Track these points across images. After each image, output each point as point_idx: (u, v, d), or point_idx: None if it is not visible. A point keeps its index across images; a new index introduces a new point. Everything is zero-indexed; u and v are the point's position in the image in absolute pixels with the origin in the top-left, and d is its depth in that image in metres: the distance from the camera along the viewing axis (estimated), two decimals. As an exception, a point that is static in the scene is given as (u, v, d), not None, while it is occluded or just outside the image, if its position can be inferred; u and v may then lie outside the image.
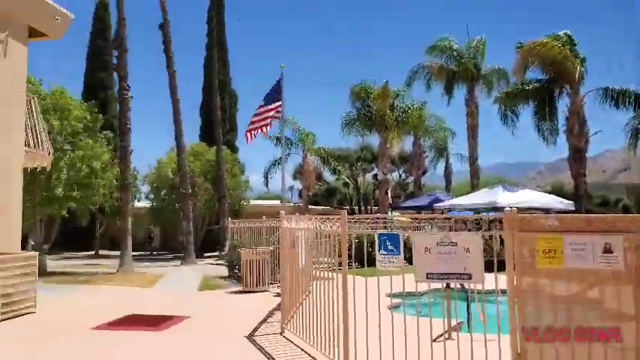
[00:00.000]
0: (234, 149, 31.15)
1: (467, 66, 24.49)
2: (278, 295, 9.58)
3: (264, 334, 6.90)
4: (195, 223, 22.21)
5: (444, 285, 5.97)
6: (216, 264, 18.03)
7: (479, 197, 18.47)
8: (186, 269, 17.01)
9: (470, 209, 20.51)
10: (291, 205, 32.15)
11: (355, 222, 15.82)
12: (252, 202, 30.33)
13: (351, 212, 37.42)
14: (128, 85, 17.26)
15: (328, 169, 32.71)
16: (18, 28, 8.85)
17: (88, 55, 31.36)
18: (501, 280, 5.09)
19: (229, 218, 16.50)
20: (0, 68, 8.42)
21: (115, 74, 23.61)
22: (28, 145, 9.59)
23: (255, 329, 7.21)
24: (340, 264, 5.61)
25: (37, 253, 9.36)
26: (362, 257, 5.78)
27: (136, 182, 23.89)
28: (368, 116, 24.12)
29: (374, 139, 27.39)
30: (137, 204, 25.16)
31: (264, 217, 13.09)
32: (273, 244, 12.10)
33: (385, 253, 5.84)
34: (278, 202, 32.59)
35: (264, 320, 7.86)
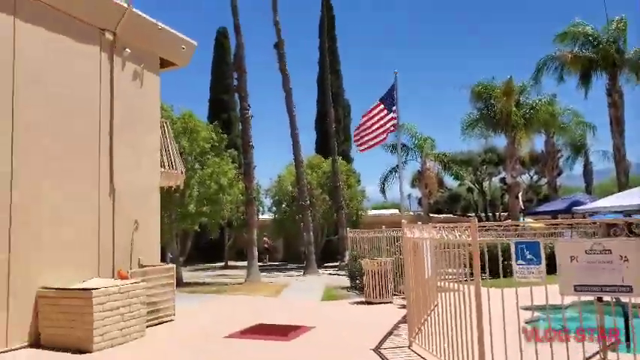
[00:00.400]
0: (348, 160, 31.37)
1: (607, 51, 21.75)
2: (403, 306, 9.20)
3: (391, 347, 6.60)
4: (314, 233, 22.64)
5: (596, 298, 5.17)
6: (337, 274, 18.11)
7: (630, 198, 16.15)
8: (308, 279, 17.33)
9: (618, 212, 18.09)
10: (411, 213, 31.39)
11: (486, 230, 14.81)
12: (370, 211, 30.17)
13: (478, 219, 35.45)
14: (248, 105, 18.20)
15: (450, 175, 31.38)
16: (151, 60, 9.71)
17: (212, 79, 33.93)
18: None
19: (347, 228, 16.48)
20: (137, 98, 9.29)
21: (236, 95, 25.21)
22: (164, 166, 10.45)
23: (382, 342, 6.95)
24: (471, 274, 5.12)
25: (174, 265, 10.11)
26: (493, 267, 5.25)
27: (260, 196, 25.09)
28: (491, 116, 22.65)
29: (499, 141, 25.75)
30: (261, 216, 26.43)
31: (383, 226, 12.80)
32: (395, 254, 11.75)
33: (524, 263, 5.23)
34: (396, 211, 32.05)
35: (390, 333, 7.56)
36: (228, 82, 32.13)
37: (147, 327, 7.78)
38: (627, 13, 23.49)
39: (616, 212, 17.60)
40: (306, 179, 22.47)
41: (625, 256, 4.85)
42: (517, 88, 22.20)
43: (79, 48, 8.10)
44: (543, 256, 5.19)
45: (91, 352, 6.56)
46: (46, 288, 7.10)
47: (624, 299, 5.09)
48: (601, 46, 21.97)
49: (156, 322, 8.43)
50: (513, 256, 5.26)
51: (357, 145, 16.49)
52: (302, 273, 19.68)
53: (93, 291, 6.76)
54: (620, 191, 19.20)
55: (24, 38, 7.16)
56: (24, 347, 6.88)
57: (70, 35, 7.94)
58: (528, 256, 5.26)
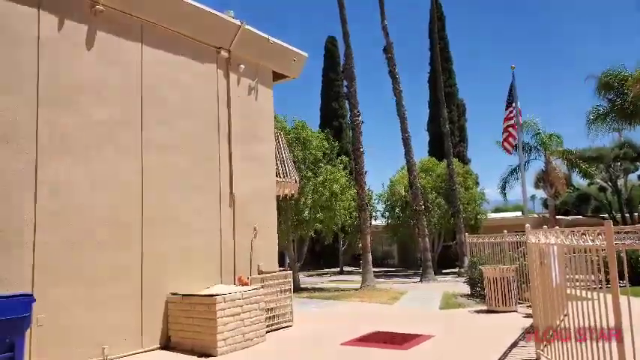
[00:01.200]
0: (465, 161, 30.18)
1: None
2: (528, 315, 8.56)
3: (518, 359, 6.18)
4: (431, 239, 22.06)
5: None
6: (456, 281, 17.44)
7: None
8: (425, 286, 16.92)
9: None
10: (535, 216, 29.24)
11: (626, 232, 13.30)
12: (490, 215, 28.66)
13: (613, 220, 31.97)
14: (359, 112, 18.37)
15: (578, 173, 28.72)
16: (264, 74, 10.23)
17: (322, 87, 34.82)
18: None
19: (466, 233, 15.82)
20: (252, 111, 9.83)
21: (346, 102, 25.53)
22: (279, 176, 10.92)
23: (506, 354, 6.52)
24: (608, 282, 4.58)
25: (291, 271, 10.47)
26: (633, 275, 4.67)
27: (372, 201, 25.09)
28: (625, 107, 20.32)
29: (636, 135, 22.97)
30: (374, 222, 26.40)
31: (505, 231, 12.06)
32: (518, 260, 11.00)
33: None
34: (519, 213, 30.05)
35: (515, 344, 7.07)
36: (338, 90, 32.81)
37: (266, 332, 8.10)
38: None
39: None
40: (420, 183, 22.04)
41: None
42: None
43: (197, 68, 8.77)
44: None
45: (215, 356, 6.90)
46: (174, 294, 7.62)
47: None
48: None
49: (275, 327, 8.75)
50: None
51: (504, 146, 16.26)
52: (419, 280, 19.28)
53: (216, 297, 7.12)
54: None
55: (148, 62, 7.88)
56: (156, 349, 7.42)
57: (189, 56, 8.61)
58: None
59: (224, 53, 9.20)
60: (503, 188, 28.83)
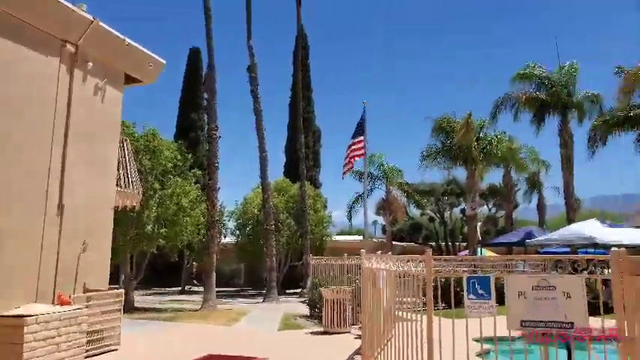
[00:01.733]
0: (316, 185, 31.44)
1: (559, 94, 23.01)
2: (359, 337, 9.12)
3: (344, 380, 6.51)
4: (278, 259, 22.38)
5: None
6: (298, 302, 17.91)
7: (575, 232, 16.81)
8: (268, 307, 17.03)
9: (566, 245, 18.77)
10: (375, 240, 31.55)
11: (446, 260, 15.04)
12: (335, 237, 30.13)
13: (438, 248, 36.02)
14: (216, 126, 18.09)
15: (413, 204, 31.93)
16: (115, 76, 9.55)
17: (181, 96, 33.65)
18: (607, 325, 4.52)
19: (310, 254, 16.40)
20: (96, 112, 9.07)
21: (205, 115, 24.99)
22: (120, 185, 10.17)
23: (334, 374, 6.84)
24: (425, 305, 5.17)
25: (124, 290, 9.73)
26: (449, 297, 5.32)
27: (223, 219, 24.70)
28: (452, 149, 23.27)
29: (461, 173, 26.41)
30: (224, 240, 25.97)
31: (345, 254, 12.79)
32: (355, 282, 11.72)
33: (474, 298, 5.31)
34: (361, 237, 32.15)
35: (345, 364, 7.47)
36: (199, 102, 32.00)
37: (88, 357, 7.38)
38: (578, 58, 24.90)
39: (564, 245, 18.25)
40: (273, 202, 22.34)
41: (568, 293, 4.99)
42: (477, 123, 22.96)
43: (36, 60, 7.86)
44: (494, 290, 5.30)
45: (20, 385, 6.11)
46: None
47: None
48: (554, 88, 23.16)
49: (98, 351, 8.02)
50: (465, 290, 5.34)
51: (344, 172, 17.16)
52: (262, 300, 19.35)
53: (25, 318, 6.33)
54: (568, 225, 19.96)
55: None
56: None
57: (28, 46, 7.70)
58: (479, 291, 5.34)
59: (70, 47, 8.40)
60: (349, 213, 30.76)
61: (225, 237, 26.57)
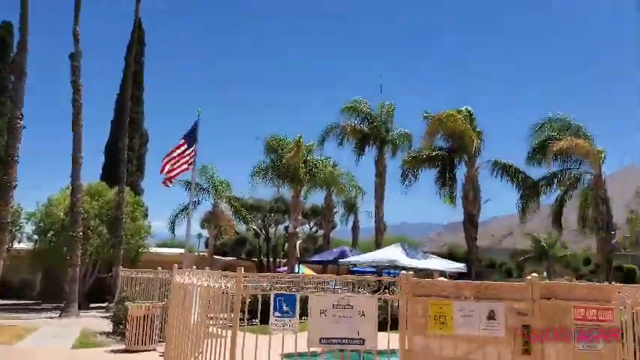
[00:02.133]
0: (138, 191, 29.54)
1: (378, 129, 25.73)
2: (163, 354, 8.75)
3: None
4: (84, 269, 20.32)
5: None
6: (102, 317, 16.42)
7: (380, 255, 18.84)
8: (64, 322, 15.26)
9: (372, 266, 20.85)
10: (196, 254, 30.76)
11: (260, 277, 15.30)
12: (154, 249, 28.55)
13: (260, 264, 36.63)
14: (21, 114, 15.85)
15: (239, 219, 32.04)
16: None
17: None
18: (395, 339, 5.04)
19: (121, 266, 15.25)
20: None
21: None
22: None
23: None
24: (245, 320, 5.25)
25: None
26: (260, 313, 5.49)
27: (20, 221, 21.55)
28: (281, 168, 24.15)
29: (288, 192, 27.44)
30: (19, 245, 22.63)
31: (159, 268, 12.20)
32: (167, 297, 11.24)
33: (280, 315, 5.53)
34: (182, 250, 31.02)
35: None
36: (6, 84, 27.68)
37: None
38: (396, 100, 28.27)
39: (371, 266, 20.27)
40: (84, 207, 20.24)
41: (363, 311, 5.53)
42: (306, 147, 24.31)
43: None
44: (298, 308, 5.60)
45: None
46: None
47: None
48: (374, 123, 25.90)
49: None
50: (272, 307, 5.54)
51: (164, 180, 16.15)
52: (59, 315, 17.27)
53: None
54: (376, 248, 22.27)
55: None
56: None
57: None
58: (285, 308, 5.60)
59: None
60: (172, 224, 29.43)
61: (19, 242, 23.16)
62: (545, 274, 35.35)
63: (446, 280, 17.74)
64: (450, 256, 28.55)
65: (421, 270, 19.17)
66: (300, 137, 23.15)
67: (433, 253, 27.25)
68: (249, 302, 6.22)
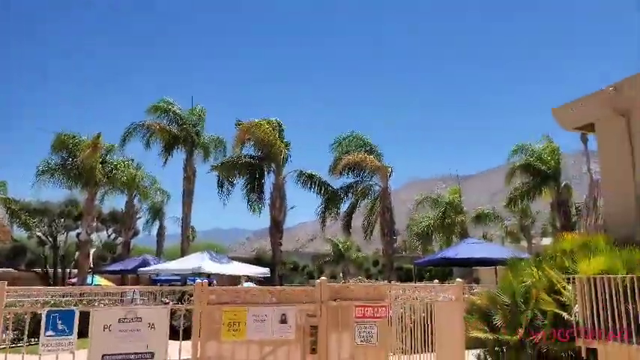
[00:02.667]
0: None
1: (188, 131, 24.89)
2: None
3: None
4: None
5: None
6: None
7: (185, 263, 18.24)
8: None
9: (177, 274, 20.03)
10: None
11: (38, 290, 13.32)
12: None
13: (45, 275, 32.11)
14: None
15: (18, 224, 27.59)
16: None
17: None
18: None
19: None
20: None
21: None
22: None
23: None
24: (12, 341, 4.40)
25: None
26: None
27: None
28: (74, 168, 21.56)
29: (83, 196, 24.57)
30: None
31: None
32: None
33: (53, 334, 4.85)
34: None
35: None
36: None
37: None
38: (206, 104, 27.94)
39: (175, 274, 19.47)
40: None
41: (152, 323, 5.18)
42: (106, 146, 22.25)
43: None
44: (77, 325, 4.99)
45: None
46: None
47: None
48: (185, 125, 25.03)
49: None
50: (43, 325, 4.84)
51: None
52: None
53: None
54: (182, 256, 21.48)
55: None
56: None
57: None
58: (60, 327, 4.93)
59: None
60: None
61: None
62: (341, 274, 38.66)
63: (252, 284, 18.12)
64: (258, 260, 29.17)
65: (228, 276, 19.15)
66: (99, 135, 21.04)
67: (241, 259, 27.53)
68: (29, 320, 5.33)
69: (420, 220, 29.54)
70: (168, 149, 24.74)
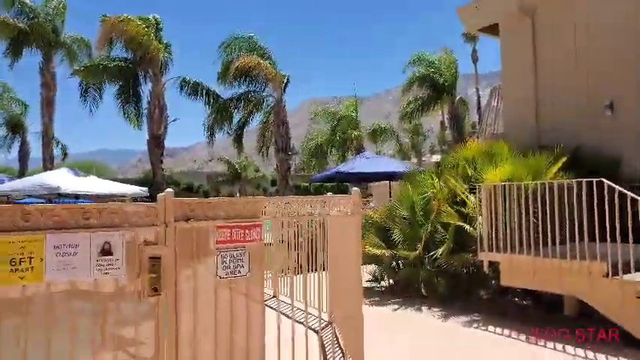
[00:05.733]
0: None
1: (43, 27, 20.54)
2: None
3: None
4: None
5: None
6: None
7: (39, 182, 15.27)
8: None
9: (37, 195, 17.08)
10: None
11: None
12: None
13: None
14: None
15: None
16: None
17: None
18: None
19: None
20: None
21: None
22: None
23: None
24: None
25: None
26: None
27: None
28: None
29: None
30: None
31: None
32: None
33: None
34: None
35: None
36: None
37: None
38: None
39: (30, 195, 16.59)
40: None
41: None
42: None
43: None
44: None
45: None
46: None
47: None
48: (37, 20, 20.57)
49: None
50: None
51: None
52: None
53: None
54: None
55: None
56: None
57: None
58: None
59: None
60: None
61: None
62: (237, 194, 37.39)
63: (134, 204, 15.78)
64: (143, 182, 26.52)
65: (98, 196, 16.67)
66: None
67: (129, 180, 24.66)
68: None
69: (316, 134, 28.47)
70: (16, 49, 20.33)
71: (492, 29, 11.71)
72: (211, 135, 21.37)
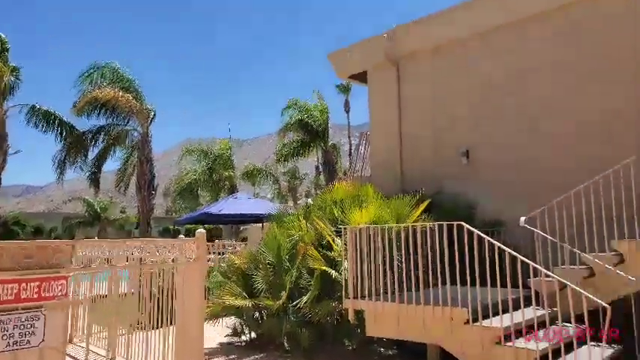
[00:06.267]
0: None
1: None
2: None
3: None
4: None
5: None
6: None
7: None
8: None
9: None
10: None
11: None
12: None
13: None
14: None
15: None
16: None
17: None
18: None
19: None
20: None
21: None
22: None
23: None
24: None
25: None
26: None
27: None
28: None
29: None
30: None
31: None
32: None
33: None
34: None
35: None
36: None
37: None
38: None
39: None
40: None
41: None
42: None
43: None
44: None
45: None
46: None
47: None
48: None
49: None
50: None
51: None
52: None
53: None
54: None
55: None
56: None
57: None
58: None
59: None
60: None
61: None
62: (96, 238, 33.62)
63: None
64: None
65: None
66: None
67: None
68: None
69: (186, 173, 27.01)
70: None
71: (362, 77, 11.95)
72: (61, 171, 18.96)
